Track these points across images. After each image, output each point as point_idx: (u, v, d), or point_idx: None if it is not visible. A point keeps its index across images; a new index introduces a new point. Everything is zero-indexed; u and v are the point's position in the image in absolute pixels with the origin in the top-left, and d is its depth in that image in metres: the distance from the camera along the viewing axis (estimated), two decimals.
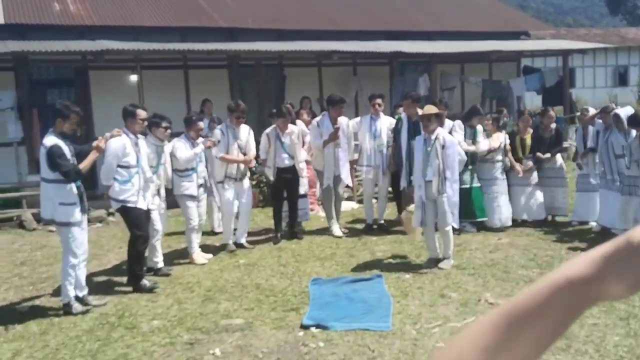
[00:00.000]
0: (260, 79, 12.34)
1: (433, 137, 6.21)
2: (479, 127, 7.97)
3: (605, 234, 7.26)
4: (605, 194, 7.34)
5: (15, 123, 10.50)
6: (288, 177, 7.72)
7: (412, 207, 6.55)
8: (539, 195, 8.02)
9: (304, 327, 4.79)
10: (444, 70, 14.42)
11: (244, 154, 7.33)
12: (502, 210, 7.89)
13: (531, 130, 8.16)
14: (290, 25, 14.56)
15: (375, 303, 5.32)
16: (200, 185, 6.94)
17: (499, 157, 7.94)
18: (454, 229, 6.54)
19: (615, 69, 29.58)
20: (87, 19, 12.57)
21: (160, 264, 6.51)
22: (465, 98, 15.55)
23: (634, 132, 6.85)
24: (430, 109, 6.36)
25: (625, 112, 7.03)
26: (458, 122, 7.92)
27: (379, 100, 8.08)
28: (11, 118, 10.50)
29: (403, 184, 7.52)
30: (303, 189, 8.22)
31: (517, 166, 7.91)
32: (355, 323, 4.85)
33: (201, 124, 7.02)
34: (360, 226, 8.44)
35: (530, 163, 7.94)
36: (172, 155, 6.69)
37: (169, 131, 6.45)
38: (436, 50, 12.89)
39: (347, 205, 9.60)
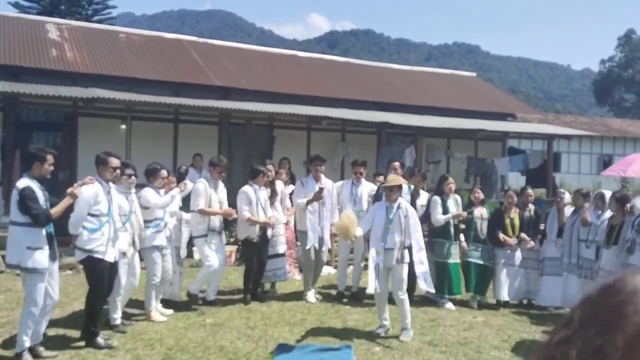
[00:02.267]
0: (250, 138, 12.44)
1: (395, 205, 6.28)
2: (458, 198, 8.06)
3: None
4: (567, 277, 7.37)
5: None
6: (262, 235, 7.68)
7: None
8: (521, 277, 7.96)
9: None
10: (431, 144, 14.64)
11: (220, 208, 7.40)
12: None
13: (518, 210, 8.10)
14: (284, 89, 14.85)
15: None
16: (166, 237, 6.80)
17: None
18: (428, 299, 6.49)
19: (600, 157, 30.22)
20: (82, 67, 12.76)
21: (118, 321, 6.26)
22: (450, 172, 15.70)
23: (607, 214, 6.95)
24: (396, 179, 6.46)
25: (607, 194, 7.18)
26: (434, 199, 7.90)
27: (361, 169, 8.18)
28: None
29: None
30: (282, 247, 8.15)
31: (506, 239, 7.82)
32: None
33: (164, 172, 6.86)
34: (335, 292, 8.29)
35: (512, 241, 7.89)
36: (141, 206, 6.52)
37: (133, 178, 6.21)
38: (423, 124, 13.12)
39: (324, 270, 9.46)
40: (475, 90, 19.91)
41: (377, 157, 13.99)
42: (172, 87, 13.68)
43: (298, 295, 7.97)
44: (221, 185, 7.54)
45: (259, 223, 7.46)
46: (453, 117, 15.41)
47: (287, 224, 8.68)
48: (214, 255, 7.27)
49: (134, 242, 6.28)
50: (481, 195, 8.20)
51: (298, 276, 9.01)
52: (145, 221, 6.57)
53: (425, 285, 6.31)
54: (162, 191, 6.82)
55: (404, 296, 6.30)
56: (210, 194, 7.27)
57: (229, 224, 8.46)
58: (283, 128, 14.16)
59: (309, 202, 7.80)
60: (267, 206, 7.78)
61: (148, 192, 6.61)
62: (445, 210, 7.77)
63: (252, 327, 6.52)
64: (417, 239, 6.33)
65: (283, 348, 5.76)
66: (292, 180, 9.72)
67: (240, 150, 12.76)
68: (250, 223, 7.41)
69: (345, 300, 7.94)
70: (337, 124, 13.92)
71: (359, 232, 6.44)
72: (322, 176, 8.02)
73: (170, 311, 6.91)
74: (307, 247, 7.89)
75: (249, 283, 7.71)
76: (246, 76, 14.99)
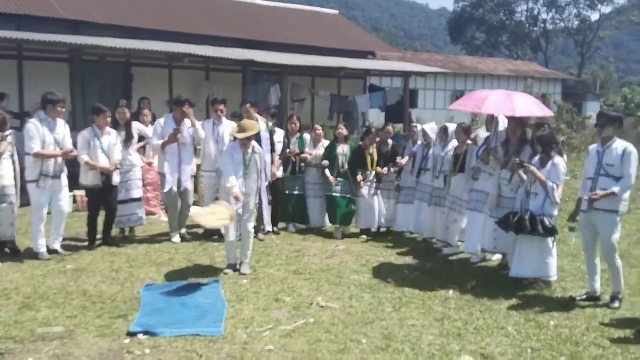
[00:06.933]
0: (105, 76, 11.73)
1: (250, 151, 6.41)
2: (307, 136, 8.54)
3: (427, 241, 8.06)
4: (419, 205, 8.03)
5: None
6: (104, 180, 7.28)
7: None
8: (380, 207, 8.48)
9: (131, 335, 4.60)
10: (295, 82, 14.78)
11: (61, 149, 6.83)
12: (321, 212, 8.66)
13: (376, 145, 8.54)
14: (141, 24, 14.08)
15: (209, 308, 5.27)
16: None
17: (325, 163, 8.38)
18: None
19: (453, 93, 32.32)
20: None
21: None
22: (315, 111, 16.05)
23: (450, 145, 7.56)
24: (248, 128, 6.29)
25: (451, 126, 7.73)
26: (282, 131, 8.46)
27: (221, 107, 8.05)
28: None
29: None
30: (137, 192, 7.86)
31: (358, 178, 8.25)
32: (187, 329, 4.76)
33: None
34: (202, 230, 8.30)
35: (369, 175, 8.36)
36: None
37: None
38: (288, 62, 13.16)
39: (192, 211, 9.40)
40: (338, 28, 20.20)
41: (243, 96, 13.90)
42: (13, 20, 12.43)
43: (166, 237, 7.91)
44: (61, 124, 6.89)
45: (52, 156, 6.77)
46: (317, 56, 15.60)
47: (150, 164, 8.48)
48: (46, 202, 6.82)
49: None
50: (345, 132, 8.55)
51: (164, 218, 8.88)
52: None
53: (253, 224, 6.63)
54: None
55: (252, 230, 6.57)
56: (45, 135, 6.69)
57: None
58: (142, 66, 13.49)
59: (164, 145, 7.59)
60: (113, 150, 7.30)
61: None
62: (286, 146, 8.33)
63: (116, 270, 6.41)
64: (265, 179, 6.74)
65: (150, 287, 5.76)
66: (153, 120, 9.39)
67: (96, 89, 12.01)
68: (89, 168, 6.98)
69: (215, 237, 7.93)
70: (200, 62, 13.54)
71: (232, 184, 6.20)
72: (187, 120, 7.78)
73: None
74: (166, 190, 7.75)
75: (93, 230, 7.43)
76: (98, 9, 13.95)
